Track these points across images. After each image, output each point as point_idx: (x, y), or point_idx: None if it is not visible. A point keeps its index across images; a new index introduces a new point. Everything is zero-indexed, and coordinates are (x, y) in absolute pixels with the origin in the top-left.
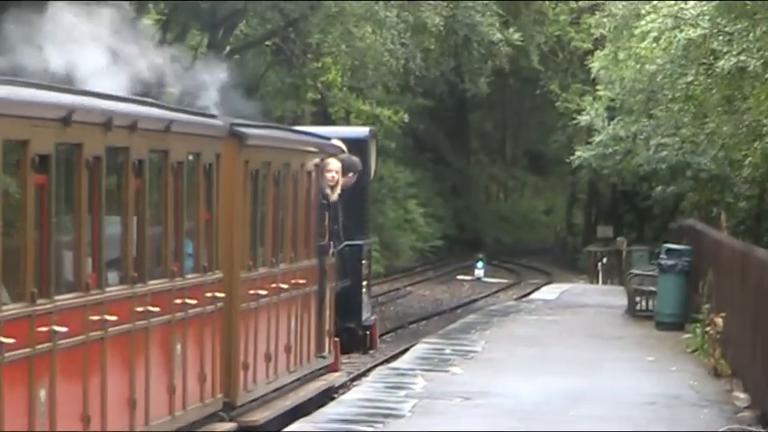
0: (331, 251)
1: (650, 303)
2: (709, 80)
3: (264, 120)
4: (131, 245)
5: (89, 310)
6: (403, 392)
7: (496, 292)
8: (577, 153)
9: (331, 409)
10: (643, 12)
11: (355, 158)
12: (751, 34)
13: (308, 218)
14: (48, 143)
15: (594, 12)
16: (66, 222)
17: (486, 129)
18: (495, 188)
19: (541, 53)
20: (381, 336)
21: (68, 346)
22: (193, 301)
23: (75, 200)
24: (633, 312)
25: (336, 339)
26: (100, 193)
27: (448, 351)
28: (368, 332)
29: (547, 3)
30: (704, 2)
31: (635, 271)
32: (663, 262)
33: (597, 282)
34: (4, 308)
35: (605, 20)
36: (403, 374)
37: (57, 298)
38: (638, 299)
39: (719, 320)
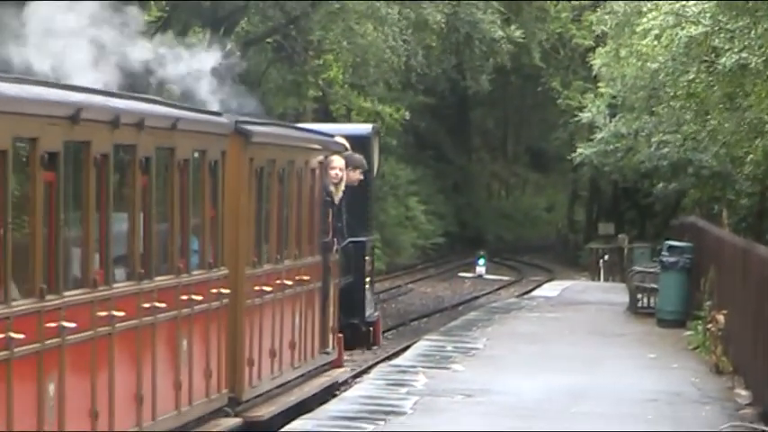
0: (335, 248)
1: (652, 300)
2: (710, 77)
3: (266, 117)
4: (138, 241)
5: (97, 305)
6: (404, 390)
7: (498, 289)
8: (579, 150)
9: (333, 406)
10: (644, 9)
11: (358, 156)
12: (752, 32)
13: (312, 215)
14: (56, 141)
15: (596, 9)
16: (75, 219)
17: (487, 126)
18: (497, 185)
19: (543, 50)
20: (383, 333)
21: (77, 342)
22: (199, 298)
23: (83, 197)
24: (635, 309)
25: (340, 335)
26: (107, 191)
27: (449, 348)
28: (371, 328)
29: (548, 0)
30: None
31: (636, 268)
32: (664, 259)
33: (599, 279)
34: (14, 304)
35: (607, 17)
36: (404, 371)
37: (65, 294)
38: (639, 296)
39: (721, 317)
